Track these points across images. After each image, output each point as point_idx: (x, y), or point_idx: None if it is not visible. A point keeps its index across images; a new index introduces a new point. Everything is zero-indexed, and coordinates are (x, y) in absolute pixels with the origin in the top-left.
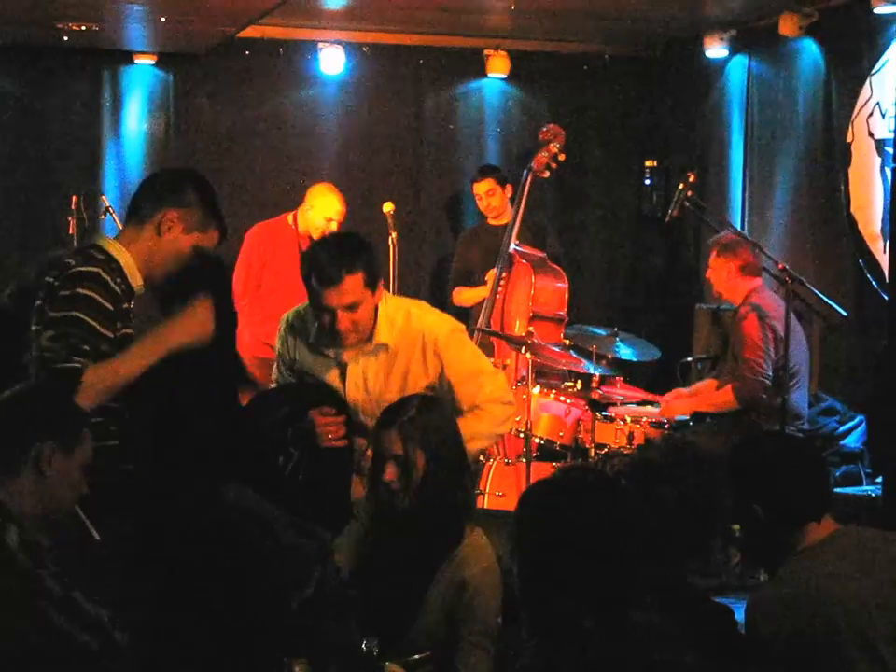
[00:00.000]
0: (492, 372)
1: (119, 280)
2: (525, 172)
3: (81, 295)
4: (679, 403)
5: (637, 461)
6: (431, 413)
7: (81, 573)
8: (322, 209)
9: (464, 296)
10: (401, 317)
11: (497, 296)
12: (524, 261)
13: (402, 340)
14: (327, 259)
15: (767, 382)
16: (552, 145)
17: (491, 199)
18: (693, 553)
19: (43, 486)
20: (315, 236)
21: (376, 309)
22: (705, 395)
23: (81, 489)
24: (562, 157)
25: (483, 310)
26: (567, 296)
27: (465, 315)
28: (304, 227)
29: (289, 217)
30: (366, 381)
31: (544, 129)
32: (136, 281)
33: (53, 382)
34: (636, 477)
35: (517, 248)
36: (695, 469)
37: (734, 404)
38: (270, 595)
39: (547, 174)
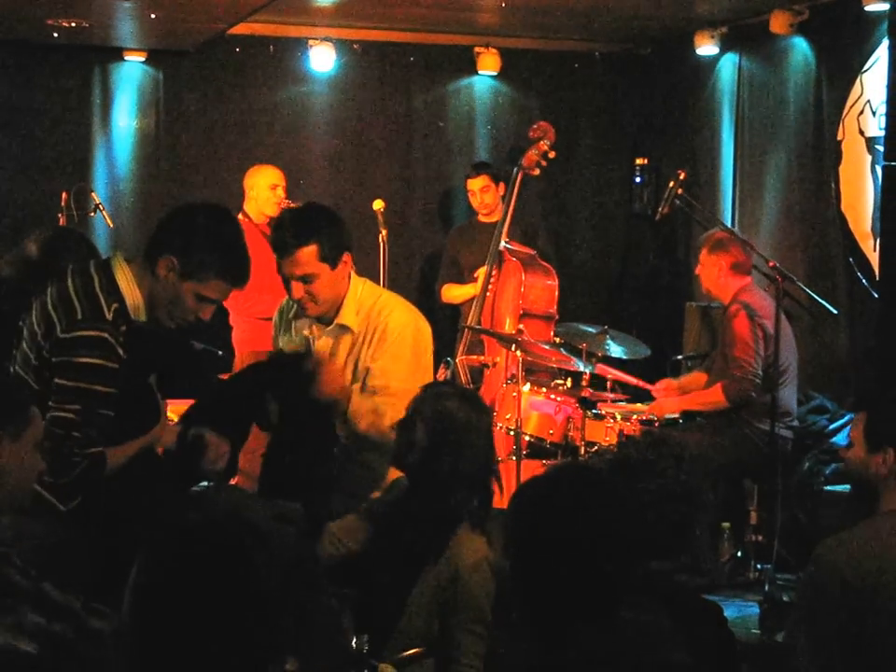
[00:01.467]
0: (401, 401)
1: (122, 327)
2: (515, 169)
3: (87, 365)
4: (669, 402)
5: (615, 458)
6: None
7: (48, 564)
8: (263, 181)
9: (453, 293)
10: (370, 303)
11: (488, 293)
12: (514, 259)
13: (364, 325)
14: (283, 229)
15: (757, 380)
16: (542, 142)
17: (485, 195)
18: (675, 550)
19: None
20: (271, 211)
21: (346, 289)
22: (694, 394)
23: (38, 467)
24: (552, 154)
25: (473, 307)
26: (556, 293)
27: (455, 312)
28: (256, 212)
29: (239, 216)
30: (329, 359)
31: (534, 126)
32: (139, 317)
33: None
34: (614, 473)
35: (507, 246)
36: (676, 464)
37: (724, 403)
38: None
39: (537, 171)
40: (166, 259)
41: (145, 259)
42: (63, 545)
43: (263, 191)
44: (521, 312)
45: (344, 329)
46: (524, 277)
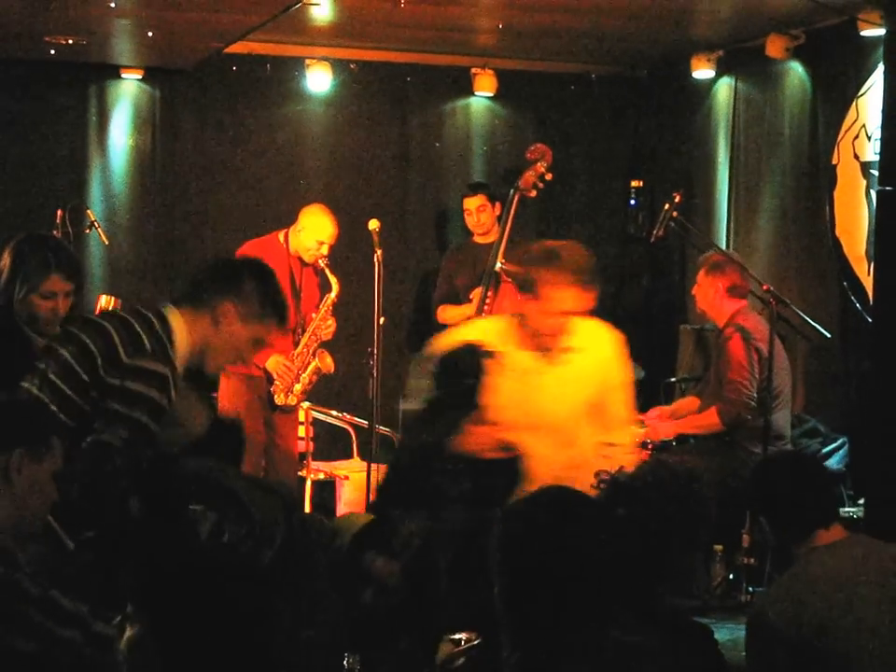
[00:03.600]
0: None
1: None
2: (511, 191)
3: (145, 397)
4: (664, 426)
5: (610, 482)
6: None
7: (56, 575)
8: (314, 232)
9: (448, 314)
10: None
11: (483, 314)
12: (510, 281)
13: None
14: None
15: (751, 403)
16: (539, 164)
17: (481, 215)
18: (668, 573)
19: (12, 495)
20: (307, 258)
21: None
22: (689, 417)
23: (52, 496)
24: (549, 176)
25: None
26: None
27: None
28: (295, 247)
29: (280, 236)
30: None
31: (532, 148)
32: (179, 363)
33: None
34: (609, 497)
35: (503, 267)
36: (669, 489)
37: (718, 426)
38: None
39: (534, 193)
40: (227, 305)
41: (196, 309)
42: (72, 557)
43: (309, 239)
44: None
45: None
46: (520, 299)
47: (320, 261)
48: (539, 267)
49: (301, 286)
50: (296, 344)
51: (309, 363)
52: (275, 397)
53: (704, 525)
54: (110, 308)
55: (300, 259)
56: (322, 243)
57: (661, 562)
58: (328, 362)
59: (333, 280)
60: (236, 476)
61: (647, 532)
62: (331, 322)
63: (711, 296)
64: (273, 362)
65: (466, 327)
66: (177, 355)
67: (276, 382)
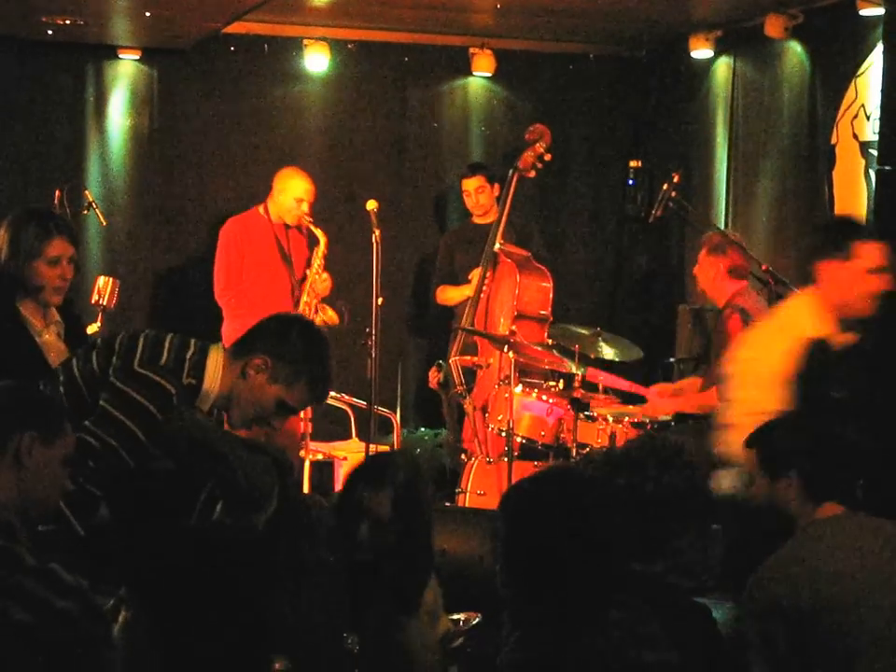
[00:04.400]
0: None
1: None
2: (510, 171)
3: (143, 407)
4: (663, 403)
5: (606, 458)
6: None
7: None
8: (291, 191)
9: (448, 294)
10: None
11: (482, 295)
12: (508, 260)
13: None
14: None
15: None
16: (538, 144)
17: (480, 196)
18: (662, 550)
19: (23, 478)
20: (290, 220)
21: None
22: (688, 396)
23: (62, 483)
24: (548, 157)
25: (467, 309)
26: (551, 295)
27: (448, 313)
28: (277, 214)
29: (260, 209)
30: None
31: (530, 128)
32: (202, 405)
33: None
34: (604, 474)
35: (502, 247)
36: (665, 464)
37: (717, 406)
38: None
39: (533, 173)
40: (260, 359)
41: (234, 356)
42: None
43: (288, 200)
44: (515, 313)
45: None
46: (519, 279)
47: (304, 219)
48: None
49: (290, 250)
50: (296, 305)
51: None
52: None
53: (697, 495)
54: (108, 289)
55: (284, 225)
56: (301, 200)
57: (659, 535)
58: (330, 314)
59: (319, 233)
60: (229, 440)
61: (644, 502)
62: (326, 276)
63: (712, 276)
64: None
65: (772, 327)
66: (203, 391)
67: None
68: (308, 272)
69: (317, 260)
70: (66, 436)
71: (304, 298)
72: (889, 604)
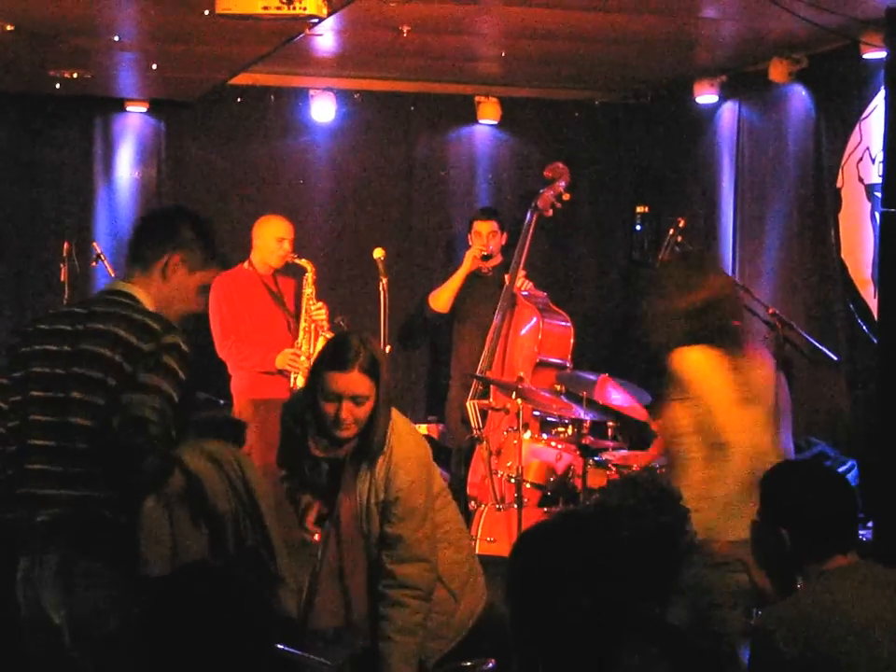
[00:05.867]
0: None
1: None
2: (528, 212)
3: (173, 370)
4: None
5: (597, 504)
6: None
7: None
8: (271, 233)
9: (439, 294)
10: None
11: (500, 338)
12: (529, 303)
13: None
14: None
15: None
16: (557, 183)
17: (491, 241)
18: (663, 592)
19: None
20: (275, 262)
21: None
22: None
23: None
24: (566, 196)
25: (484, 352)
26: (571, 341)
27: (448, 359)
28: (261, 262)
29: (245, 264)
30: None
31: (550, 167)
32: None
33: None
34: (596, 519)
35: (525, 291)
36: (657, 506)
37: None
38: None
39: (551, 212)
40: (175, 257)
41: (142, 270)
42: None
43: (270, 242)
44: (537, 360)
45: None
46: (542, 324)
47: (289, 257)
48: None
49: (280, 291)
50: (296, 335)
51: (315, 344)
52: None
53: (683, 525)
54: None
55: (271, 272)
56: (282, 238)
57: (666, 575)
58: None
59: (304, 262)
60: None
61: (647, 544)
62: (321, 304)
63: None
64: (281, 358)
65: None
66: None
67: (292, 374)
68: (301, 301)
69: (308, 288)
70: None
71: (302, 325)
72: (888, 654)
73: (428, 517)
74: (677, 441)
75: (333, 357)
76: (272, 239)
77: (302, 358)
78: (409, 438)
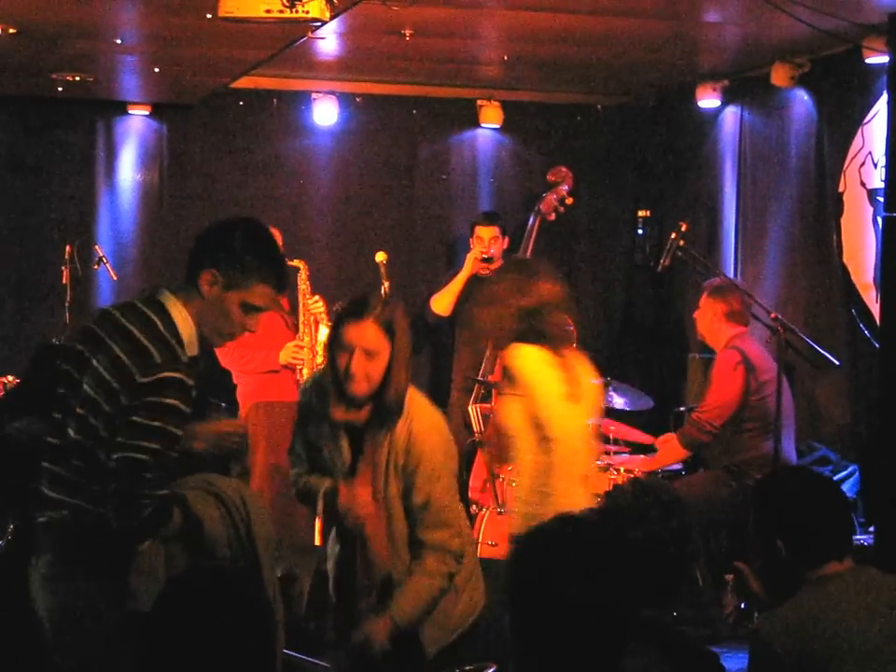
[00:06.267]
0: None
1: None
2: (531, 216)
3: (168, 406)
4: (637, 460)
5: (604, 507)
6: None
7: None
8: None
9: (441, 297)
10: None
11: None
12: None
13: None
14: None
15: (709, 427)
16: (560, 187)
17: (493, 245)
18: (667, 597)
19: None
20: None
21: None
22: (659, 450)
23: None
24: (569, 200)
25: (486, 355)
26: (574, 345)
27: (449, 362)
28: None
29: None
30: None
31: (553, 170)
32: (193, 352)
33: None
34: (602, 523)
35: None
36: (665, 511)
37: (681, 451)
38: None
39: (554, 216)
40: (208, 274)
41: (188, 284)
42: None
43: None
44: None
45: None
46: None
47: None
48: None
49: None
50: (295, 331)
51: (317, 335)
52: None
53: (689, 531)
54: None
55: None
56: None
57: (668, 580)
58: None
59: (296, 262)
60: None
61: (649, 549)
62: (317, 298)
63: (709, 319)
64: (284, 352)
65: None
66: (185, 345)
67: (297, 367)
68: (297, 297)
69: (302, 285)
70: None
71: (301, 319)
72: (885, 658)
73: (454, 485)
74: (508, 435)
75: (350, 307)
76: None
77: (305, 350)
78: (429, 408)
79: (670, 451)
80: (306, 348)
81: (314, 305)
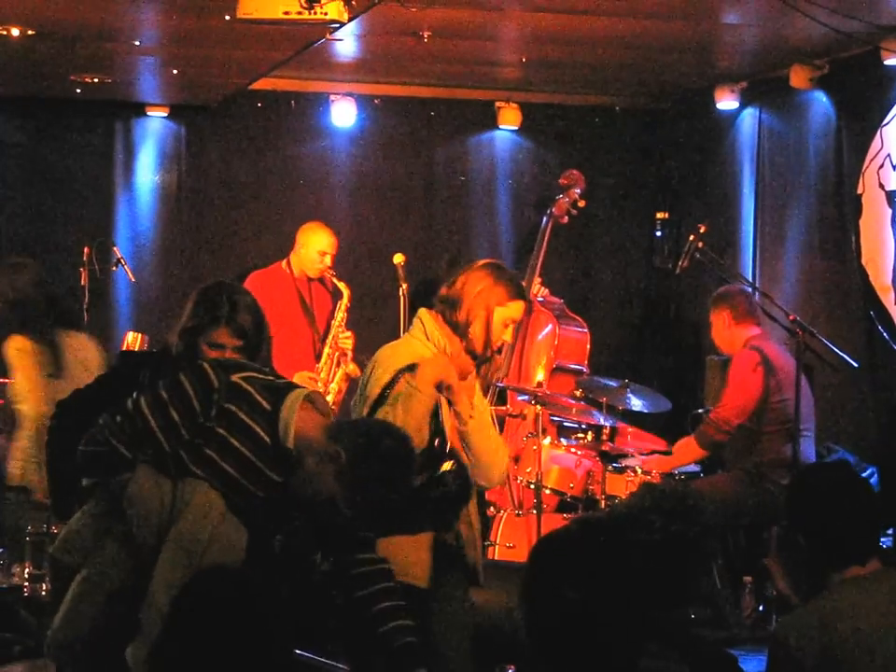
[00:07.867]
0: None
1: None
2: (544, 218)
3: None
4: (656, 460)
5: (618, 511)
6: None
7: None
8: (314, 244)
9: None
10: None
11: (516, 344)
12: (545, 309)
13: None
14: None
15: (726, 427)
16: (572, 190)
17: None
18: (682, 599)
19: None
20: (312, 273)
21: None
22: (676, 451)
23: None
24: (581, 203)
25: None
26: (588, 347)
27: None
28: (299, 268)
29: (283, 264)
30: None
31: (565, 174)
32: None
33: None
34: (618, 526)
35: (541, 297)
36: (683, 514)
37: (699, 451)
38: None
39: (566, 219)
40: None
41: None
42: None
43: (311, 253)
44: (553, 366)
45: None
46: (558, 330)
47: (327, 273)
48: None
49: (312, 303)
50: (318, 358)
51: (335, 373)
52: None
53: (708, 534)
54: (137, 344)
55: (306, 279)
56: (324, 253)
57: (676, 580)
58: (352, 367)
59: (342, 286)
60: None
61: (658, 552)
62: (349, 334)
63: (721, 328)
64: (298, 380)
65: None
66: None
67: None
68: (332, 323)
69: (340, 314)
70: None
71: (326, 350)
72: None
73: None
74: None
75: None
76: (314, 250)
77: (319, 385)
78: None
79: (687, 451)
80: (320, 383)
81: (343, 340)
